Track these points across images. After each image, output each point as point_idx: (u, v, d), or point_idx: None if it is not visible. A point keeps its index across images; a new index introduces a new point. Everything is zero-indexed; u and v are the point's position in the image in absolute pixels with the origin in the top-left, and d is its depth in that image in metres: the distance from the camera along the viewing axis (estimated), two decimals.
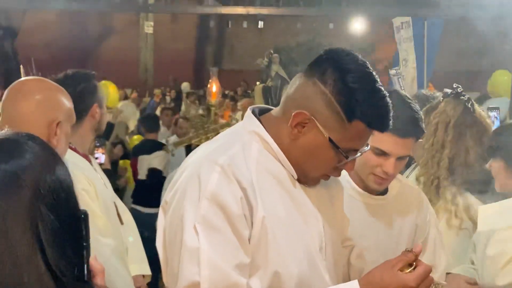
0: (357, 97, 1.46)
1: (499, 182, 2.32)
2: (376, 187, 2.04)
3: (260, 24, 22.75)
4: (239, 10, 6.16)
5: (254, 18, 20.67)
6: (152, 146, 5.92)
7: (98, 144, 3.76)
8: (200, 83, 20.90)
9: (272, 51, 10.15)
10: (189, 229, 1.42)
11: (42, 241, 1.02)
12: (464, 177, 2.57)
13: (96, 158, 3.60)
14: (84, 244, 1.09)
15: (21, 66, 6.80)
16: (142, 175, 5.75)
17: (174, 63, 18.66)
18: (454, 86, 2.77)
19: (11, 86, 2.00)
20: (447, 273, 2.31)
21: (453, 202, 2.57)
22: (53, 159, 1.12)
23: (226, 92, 15.80)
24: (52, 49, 16.33)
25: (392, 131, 1.84)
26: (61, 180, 1.09)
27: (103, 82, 9.14)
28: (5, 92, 1.97)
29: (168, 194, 1.56)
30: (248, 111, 1.64)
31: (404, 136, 1.94)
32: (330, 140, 1.50)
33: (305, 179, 1.61)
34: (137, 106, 12.76)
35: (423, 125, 2.04)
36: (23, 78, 2.09)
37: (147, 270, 2.91)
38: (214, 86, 4.75)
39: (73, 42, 18.60)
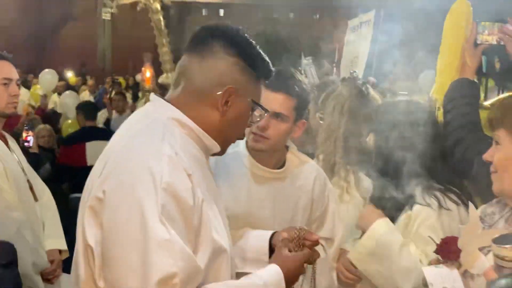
0: (257, 58, 1.65)
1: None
2: (253, 145, 2.22)
3: (221, 12, 22.86)
4: None
5: (215, 6, 20.73)
6: (107, 133, 5.91)
7: (27, 128, 3.86)
8: (161, 70, 20.96)
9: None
10: (154, 222, 1.39)
11: None
12: (357, 156, 2.73)
13: (27, 141, 3.73)
14: None
15: None
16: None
17: (133, 50, 18.55)
18: (351, 71, 2.95)
19: None
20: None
21: (345, 179, 2.73)
22: None
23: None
24: (9, 35, 16.11)
25: (264, 85, 2.01)
26: None
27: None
28: None
29: (99, 190, 1.48)
30: (160, 99, 1.65)
31: (275, 89, 2.13)
32: (253, 102, 1.66)
33: (226, 148, 1.72)
34: (93, 93, 12.75)
35: (295, 85, 2.21)
36: None
37: (63, 245, 3.04)
38: (147, 72, 4.83)
39: (31, 28, 18.40)
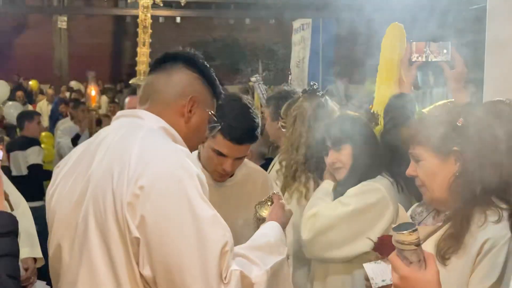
0: (212, 77, 1.91)
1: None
2: (219, 180, 2.44)
3: (178, 19, 22.90)
4: (158, 12, 6.57)
5: (171, 14, 20.85)
6: (24, 142, 6.08)
7: None
8: (117, 77, 20.92)
9: (180, 48, 10.37)
10: (199, 202, 1.61)
11: None
12: (317, 164, 2.93)
13: None
14: None
15: None
16: (18, 171, 5.91)
17: (90, 58, 18.50)
18: (311, 83, 3.21)
19: None
20: None
21: (305, 185, 2.95)
22: None
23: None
24: None
25: (229, 138, 2.28)
26: None
27: None
28: None
29: (134, 188, 1.60)
30: (145, 111, 1.84)
31: (240, 143, 2.32)
32: (211, 112, 1.90)
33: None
34: (51, 102, 12.72)
35: (258, 132, 2.38)
36: None
37: (38, 254, 3.21)
38: (93, 90, 4.92)
39: None
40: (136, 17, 19.59)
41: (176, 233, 1.58)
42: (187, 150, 1.77)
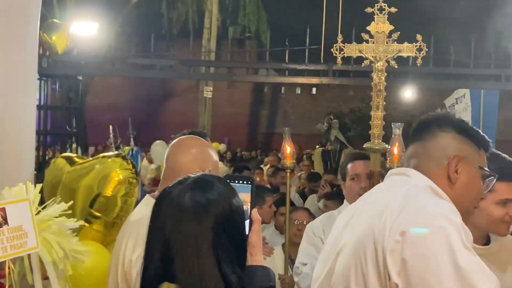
0: (471, 130, 1.93)
1: None
2: (506, 232, 2.30)
3: (313, 90, 23.44)
4: (293, 79, 6.81)
5: (307, 85, 21.46)
6: None
7: None
8: (253, 145, 21.60)
9: (332, 117, 10.58)
10: (461, 251, 1.60)
11: (219, 256, 1.49)
12: None
13: None
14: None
15: (110, 126, 7.61)
16: None
17: (229, 126, 19.36)
18: None
19: (173, 143, 2.38)
20: None
21: None
22: (231, 195, 1.59)
23: (279, 154, 16.24)
24: (117, 111, 17.16)
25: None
26: (234, 211, 1.57)
27: None
28: (168, 147, 2.38)
29: (395, 235, 1.67)
30: (413, 170, 1.92)
31: None
32: (480, 167, 1.89)
33: (466, 219, 1.84)
34: None
35: None
36: (181, 137, 2.47)
37: None
38: (288, 148, 4.29)
39: (137, 104, 19.58)
40: (274, 85, 20.22)
41: (435, 281, 1.59)
42: (452, 204, 1.78)
